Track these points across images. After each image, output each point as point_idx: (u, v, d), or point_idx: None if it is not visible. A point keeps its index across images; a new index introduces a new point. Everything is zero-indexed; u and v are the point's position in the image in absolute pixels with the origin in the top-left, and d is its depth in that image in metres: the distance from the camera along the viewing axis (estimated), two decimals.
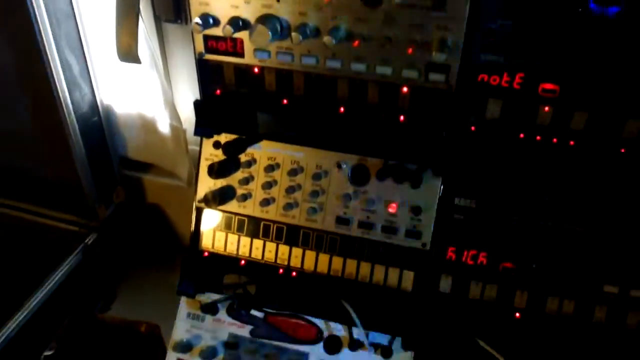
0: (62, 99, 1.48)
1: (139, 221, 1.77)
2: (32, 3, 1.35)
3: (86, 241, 1.63)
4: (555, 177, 1.09)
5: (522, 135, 1.06)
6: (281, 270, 1.23)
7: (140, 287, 1.67)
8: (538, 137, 1.06)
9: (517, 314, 1.12)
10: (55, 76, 1.45)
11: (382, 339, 1.19)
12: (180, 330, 1.26)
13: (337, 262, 1.21)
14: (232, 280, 1.30)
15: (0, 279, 1.60)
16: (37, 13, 1.36)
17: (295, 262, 1.22)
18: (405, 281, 1.18)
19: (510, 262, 1.12)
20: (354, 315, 1.17)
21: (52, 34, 1.41)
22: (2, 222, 1.73)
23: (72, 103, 1.51)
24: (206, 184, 1.25)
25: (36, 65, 1.44)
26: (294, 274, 1.23)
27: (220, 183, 1.24)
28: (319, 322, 1.22)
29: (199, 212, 1.27)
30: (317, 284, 1.21)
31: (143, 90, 1.54)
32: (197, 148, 1.26)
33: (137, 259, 1.72)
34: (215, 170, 1.19)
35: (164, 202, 1.74)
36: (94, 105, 1.59)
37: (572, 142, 1.05)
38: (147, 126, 1.61)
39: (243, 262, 1.25)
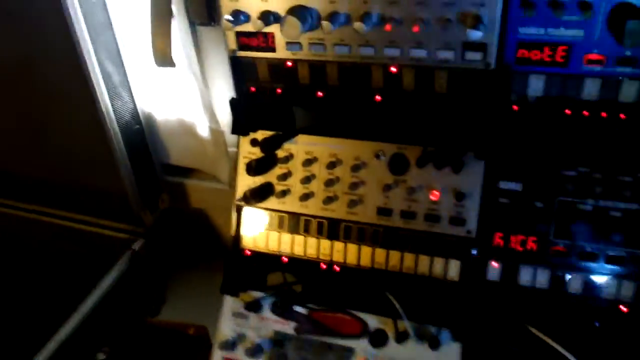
0: (104, 109, 1.52)
1: (184, 226, 1.78)
2: (71, 16, 1.38)
3: (133, 247, 1.65)
4: (606, 154, 1.04)
5: (567, 112, 1.01)
6: (324, 266, 1.21)
7: (188, 290, 1.68)
8: (585, 113, 1.00)
9: (625, 308, 1.05)
10: (97, 87, 1.49)
11: (430, 330, 1.15)
12: (225, 328, 1.26)
13: (380, 254, 1.18)
14: (275, 277, 1.29)
15: (52, 287, 1.64)
16: (76, 25, 1.39)
17: (338, 257, 1.21)
18: (451, 271, 1.14)
19: (562, 245, 1.06)
20: (398, 307, 1.14)
21: (92, 46, 1.43)
22: (52, 232, 1.77)
23: (115, 112, 1.54)
24: (245, 182, 1.25)
25: (79, 77, 1.47)
26: (337, 268, 1.21)
27: (259, 180, 1.23)
28: (364, 316, 1.19)
29: (239, 210, 1.26)
30: (360, 277, 1.19)
31: (181, 95, 1.56)
32: (236, 149, 1.26)
33: (184, 263, 1.73)
34: (254, 168, 1.19)
35: (207, 206, 1.75)
36: (135, 113, 1.62)
37: (622, 116, 0.99)
38: (187, 131, 1.63)
39: (285, 259, 1.24)
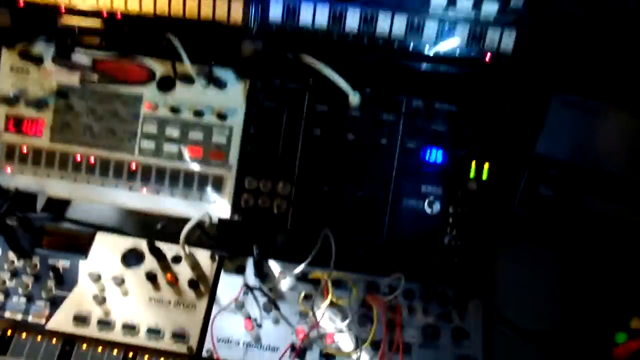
0: None
1: None
2: None
3: None
4: None
5: None
6: (105, 14, 1.11)
7: None
8: None
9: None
10: None
11: (214, 72, 1.13)
12: (5, 84, 1.18)
13: None
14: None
15: None
16: None
17: (119, 4, 1.10)
18: (234, 13, 1.08)
19: None
20: (181, 50, 1.09)
21: None
22: None
23: None
24: None
25: None
26: (118, 16, 1.11)
27: None
28: (150, 63, 1.14)
29: None
30: (144, 25, 1.11)
31: None
32: None
33: None
34: None
35: None
36: None
37: None
38: None
39: (63, 9, 1.12)
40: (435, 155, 1.10)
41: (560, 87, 1.11)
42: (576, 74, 1.11)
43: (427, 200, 1.10)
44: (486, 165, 1.09)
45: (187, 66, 1.09)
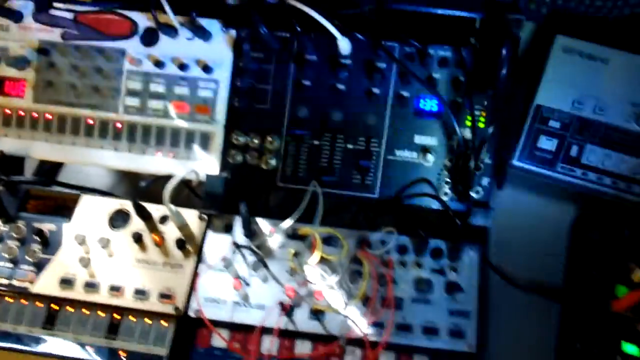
0: None
1: None
2: None
3: None
4: None
5: None
6: None
7: None
8: None
9: None
10: None
11: (199, 23, 1.08)
12: None
13: None
14: None
15: None
16: None
17: None
18: None
19: None
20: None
21: None
22: None
23: None
24: None
25: None
26: None
27: None
28: (133, 15, 1.10)
29: None
30: None
31: None
32: None
33: None
34: None
35: None
36: None
37: None
38: None
39: None
40: (430, 104, 1.04)
41: (564, 29, 1.05)
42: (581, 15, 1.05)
43: (421, 151, 1.05)
44: (483, 114, 1.03)
45: (170, 15, 1.04)
